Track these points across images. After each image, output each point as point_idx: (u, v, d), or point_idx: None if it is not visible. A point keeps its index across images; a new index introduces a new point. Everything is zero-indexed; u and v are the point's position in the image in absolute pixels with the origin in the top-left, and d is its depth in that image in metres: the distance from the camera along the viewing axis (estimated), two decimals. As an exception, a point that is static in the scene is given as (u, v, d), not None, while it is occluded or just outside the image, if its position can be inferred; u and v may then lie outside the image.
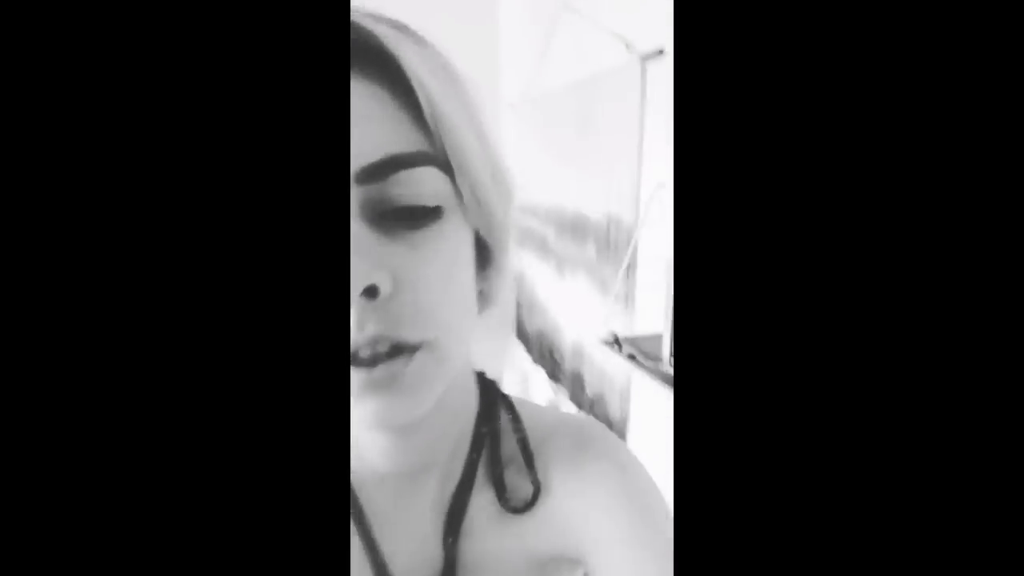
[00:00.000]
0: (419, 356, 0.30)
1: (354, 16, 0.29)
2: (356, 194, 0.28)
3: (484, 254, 0.35)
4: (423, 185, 0.29)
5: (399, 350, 0.29)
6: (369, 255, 0.27)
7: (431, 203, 0.29)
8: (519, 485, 0.39)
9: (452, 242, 0.31)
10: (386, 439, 0.37)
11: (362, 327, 0.28)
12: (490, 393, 0.42)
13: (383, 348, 0.29)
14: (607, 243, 1.59)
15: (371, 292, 0.28)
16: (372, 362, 0.29)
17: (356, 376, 0.29)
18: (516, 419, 0.41)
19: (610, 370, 1.60)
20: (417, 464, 0.39)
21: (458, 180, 0.30)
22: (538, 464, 0.39)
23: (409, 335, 0.29)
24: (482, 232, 0.34)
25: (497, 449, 0.40)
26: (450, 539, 0.37)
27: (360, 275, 0.27)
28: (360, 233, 0.28)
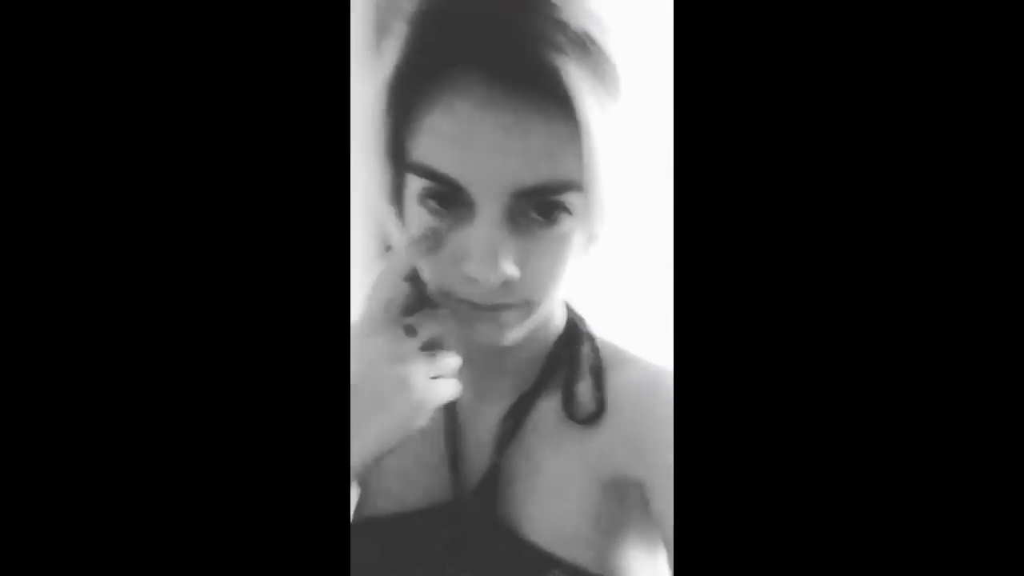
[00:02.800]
0: (516, 309, 0.37)
1: (538, 46, 0.31)
2: (506, 203, 0.34)
3: (591, 238, 0.40)
4: (564, 201, 0.34)
5: (507, 305, 0.37)
6: (508, 252, 0.34)
7: (565, 212, 0.35)
8: (586, 401, 0.43)
9: (572, 236, 0.37)
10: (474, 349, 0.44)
11: (496, 296, 0.36)
12: (575, 327, 0.47)
13: (499, 302, 0.36)
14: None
15: (507, 283, 0.35)
16: (492, 309, 0.36)
17: (467, 311, 0.37)
18: (596, 351, 0.46)
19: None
20: (499, 370, 0.46)
21: (590, 196, 0.35)
22: (609, 391, 0.43)
23: (516, 300, 0.37)
24: (594, 226, 0.38)
25: (575, 369, 0.45)
26: (510, 421, 0.44)
27: (499, 267, 0.33)
28: (502, 236, 0.34)
